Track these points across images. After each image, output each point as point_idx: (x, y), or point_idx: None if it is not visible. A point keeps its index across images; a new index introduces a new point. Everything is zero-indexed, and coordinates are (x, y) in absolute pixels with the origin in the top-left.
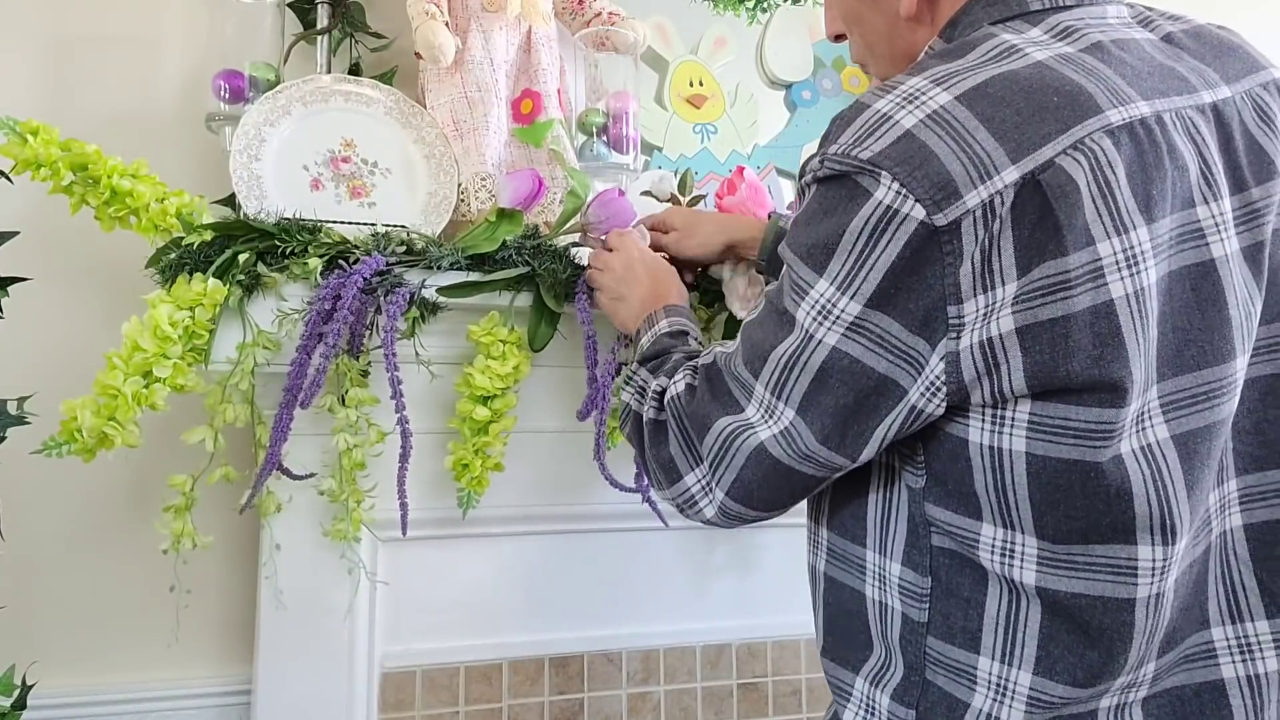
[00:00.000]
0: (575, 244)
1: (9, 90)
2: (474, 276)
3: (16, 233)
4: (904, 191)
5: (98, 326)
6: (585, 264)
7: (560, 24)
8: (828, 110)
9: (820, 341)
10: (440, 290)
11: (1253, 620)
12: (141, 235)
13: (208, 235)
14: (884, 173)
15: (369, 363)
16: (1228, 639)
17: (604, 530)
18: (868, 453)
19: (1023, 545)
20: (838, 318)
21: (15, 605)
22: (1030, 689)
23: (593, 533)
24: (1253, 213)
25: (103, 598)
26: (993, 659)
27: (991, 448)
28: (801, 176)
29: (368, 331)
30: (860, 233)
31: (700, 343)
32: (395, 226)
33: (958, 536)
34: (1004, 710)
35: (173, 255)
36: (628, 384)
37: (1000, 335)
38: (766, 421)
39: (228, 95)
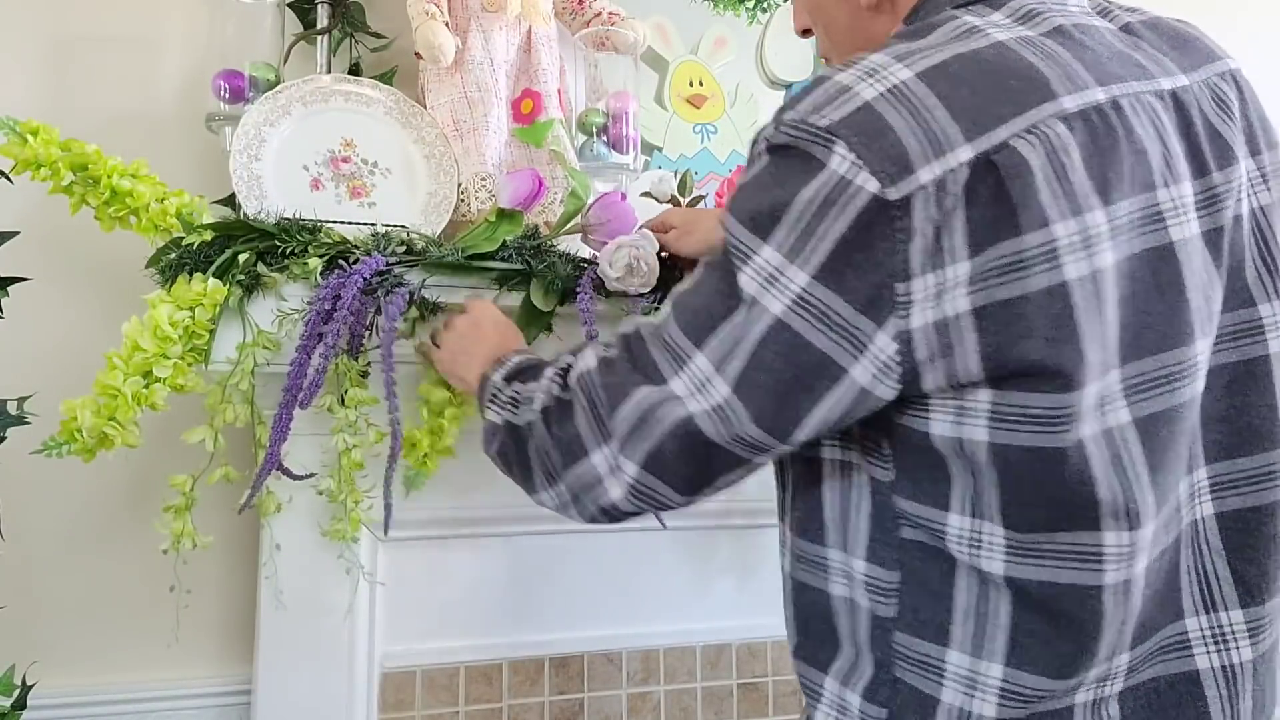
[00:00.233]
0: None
1: (9, 90)
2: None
3: (16, 233)
4: (858, 163)
5: (98, 326)
6: (586, 259)
7: (560, 24)
8: None
9: (764, 309)
10: (442, 273)
11: (1226, 610)
12: (141, 235)
13: (208, 235)
14: (839, 142)
15: (368, 363)
16: (1202, 629)
17: (604, 530)
18: (801, 434)
19: (990, 535)
20: (785, 287)
21: (15, 605)
22: (1002, 681)
23: (593, 533)
24: (1213, 197)
25: (103, 598)
26: (963, 652)
27: (955, 439)
28: (754, 145)
29: (367, 332)
30: (811, 201)
31: None
32: (395, 226)
33: (927, 528)
34: (976, 704)
35: (173, 255)
36: (492, 403)
37: (956, 316)
38: (696, 396)
39: (228, 95)
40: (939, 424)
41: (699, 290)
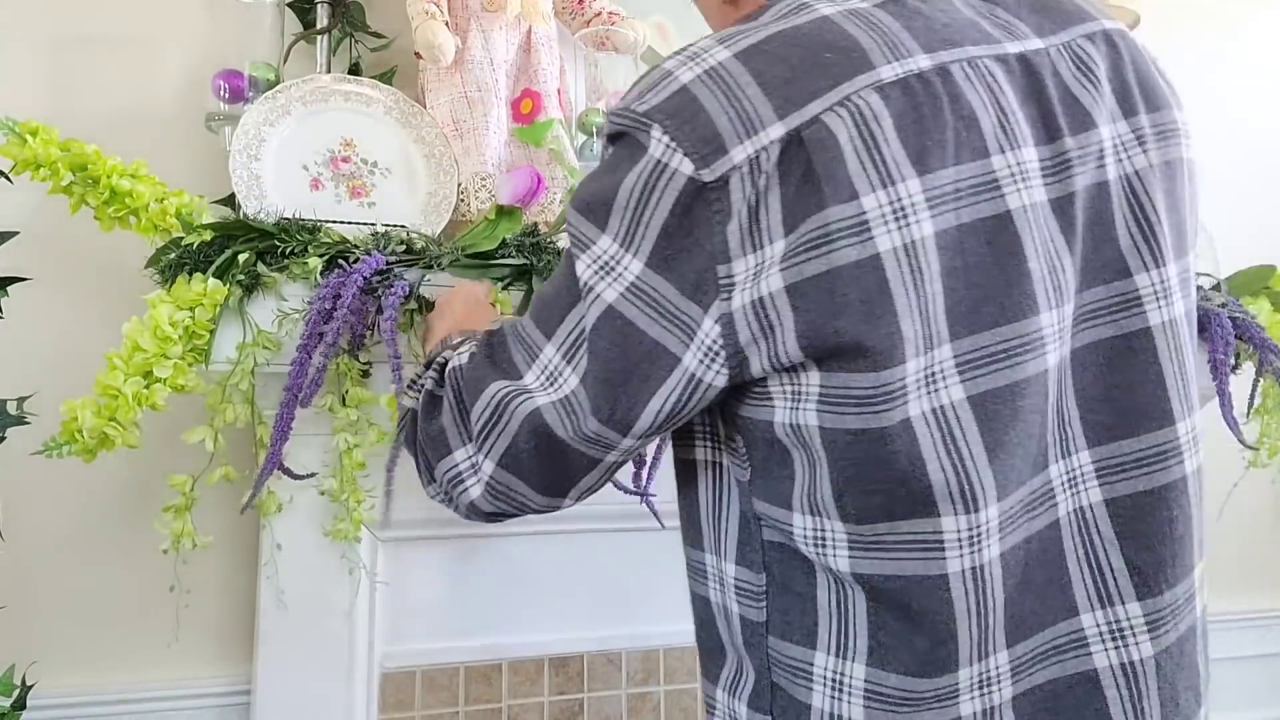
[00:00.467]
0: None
1: (9, 90)
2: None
3: (16, 233)
4: (673, 145)
5: (98, 326)
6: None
7: (560, 24)
8: None
9: (599, 297)
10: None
11: (1123, 603)
12: (141, 235)
13: (207, 235)
14: (655, 125)
15: (369, 362)
16: (1098, 625)
17: (604, 530)
18: (640, 426)
19: (832, 531)
20: (619, 275)
21: (15, 605)
22: (865, 682)
23: (593, 533)
24: (1064, 163)
25: (103, 598)
26: (829, 654)
27: (794, 425)
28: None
29: (368, 331)
30: (634, 187)
31: None
32: (395, 226)
33: (779, 529)
34: (843, 708)
35: (172, 255)
36: (409, 389)
37: (770, 294)
38: (547, 388)
39: (227, 95)
40: (780, 411)
41: (552, 282)
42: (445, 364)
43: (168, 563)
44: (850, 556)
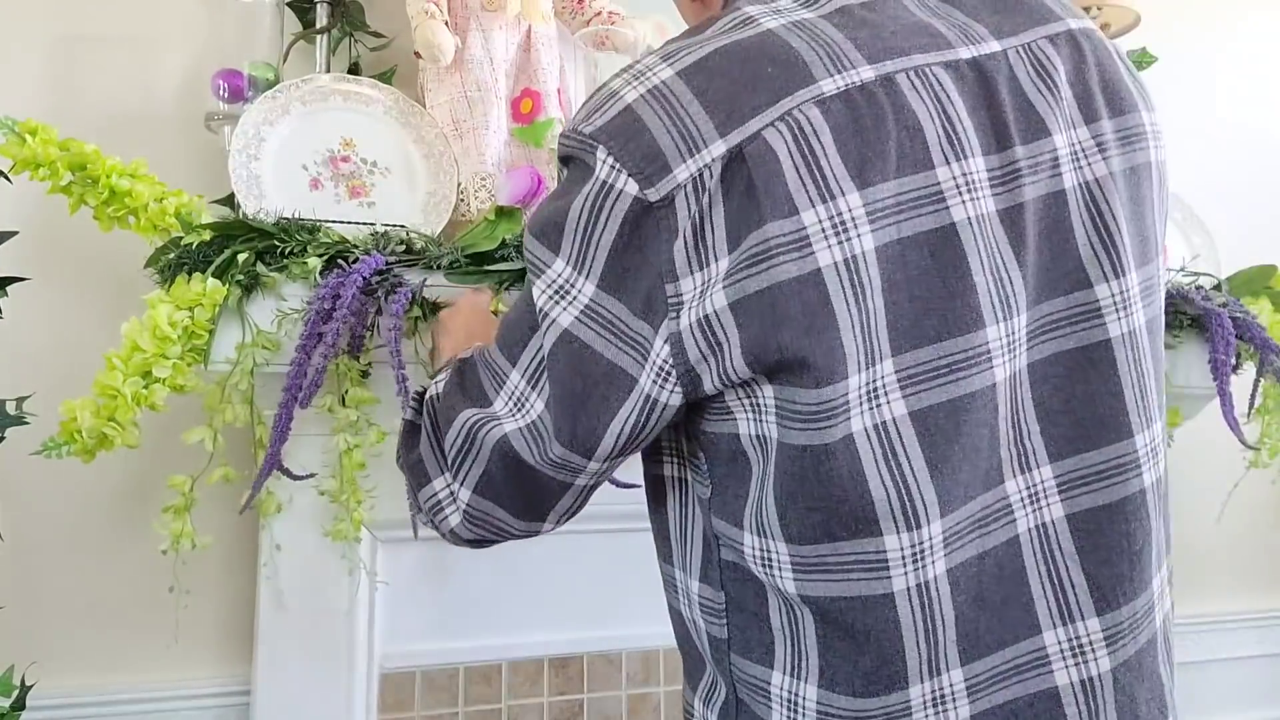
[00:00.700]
0: None
1: (8, 90)
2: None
3: (15, 232)
4: (617, 166)
5: (97, 326)
6: None
7: (560, 23)
8: None
9: (554, 322)
10: (446, 275)
11: (1083, 619)
12: (140, 235)
13: (206, 235)
14: (600, 147)
15: (369, 363)
16: (1059, 642)
17: (604, 530)
18: (604, 448)
19: (777, 553)
20: (574, 298)
21: (15, 605)
22: (818, 703)
23: (593, 533)
24: (1013, 173)
25: (103, 598)
26: (784, 673)
27: (760, 436)
28: None
29: (368, 331)
30: (583, 210)
31: None
32: (394, 226)
33: (733, 548)
34: None
35: (171, 255)
36: (410, 404)
37: (716, 311)
38: (514, 415)
39: (227, 94)
40: (744, 424)
41: (515, 308)
42: (424, 392)
43: (167, 563)
44: (795, 579)
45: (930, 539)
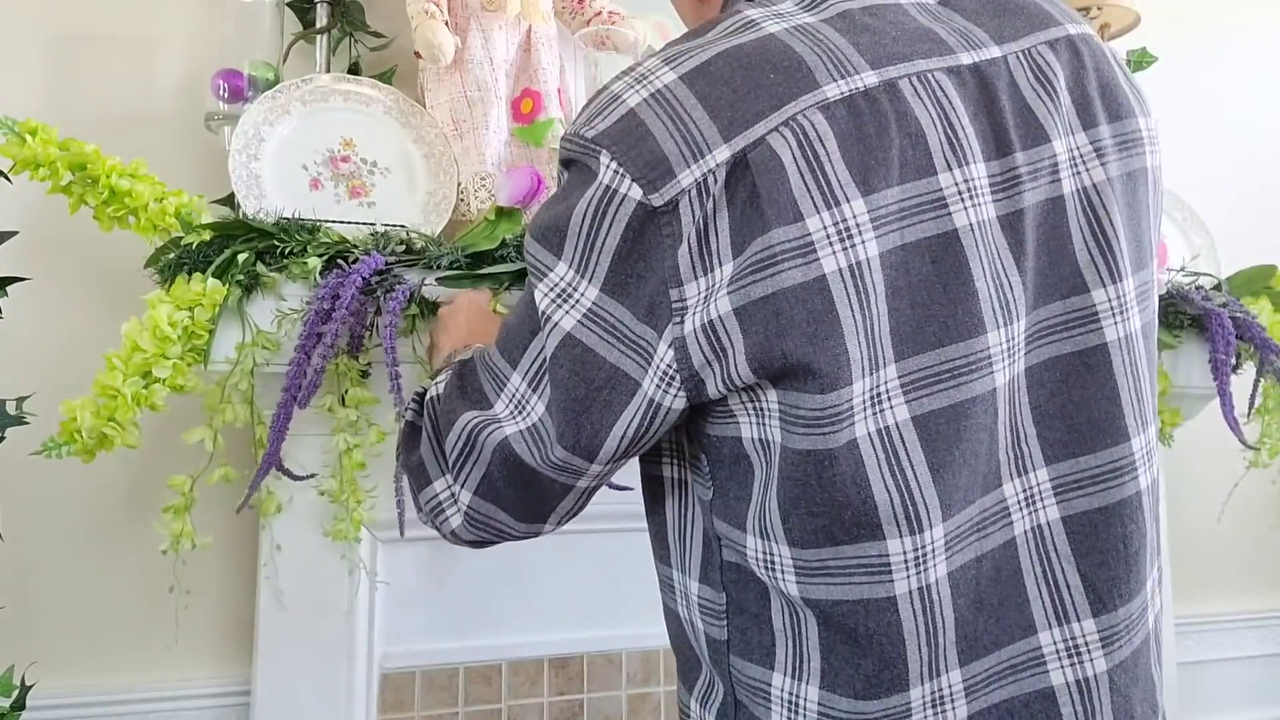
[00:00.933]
0: None
1: (8, 90)
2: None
3: (15, 232)
4: (621, 171)
5: (97, 326)
6: None
7: (560, 23)
8: None
9: (556, 325)
10: (439, 280)
11: (1079, 620)
12: (140, 235)
13: (206, 235)
14: (603, 151)
15: (369, 363)
16: (1055, 642)
17: (604, 530)
18: (607, 451)
19: (780, 556)
20: (576, 302)
21: (15, 605)
22: (819, 705)
23: (593, 533)
24: (1013, 179)
25: (103, 598)
26: (785, 675)
27: (763, 440)
28: None
29: (367, 331)
30: (585, 214)
31: None
32: (394, 226)
33: (736, 549)
34: None
35: (171, 255)
36: (410, 406)
37: (720, 317)
38: (515, 418)
39: (227, 94)
40: (746, 427)
41: (515, 310)
42: (424, 393)
43: (167, 563)
44: (798, 582)
45: (932, 543)
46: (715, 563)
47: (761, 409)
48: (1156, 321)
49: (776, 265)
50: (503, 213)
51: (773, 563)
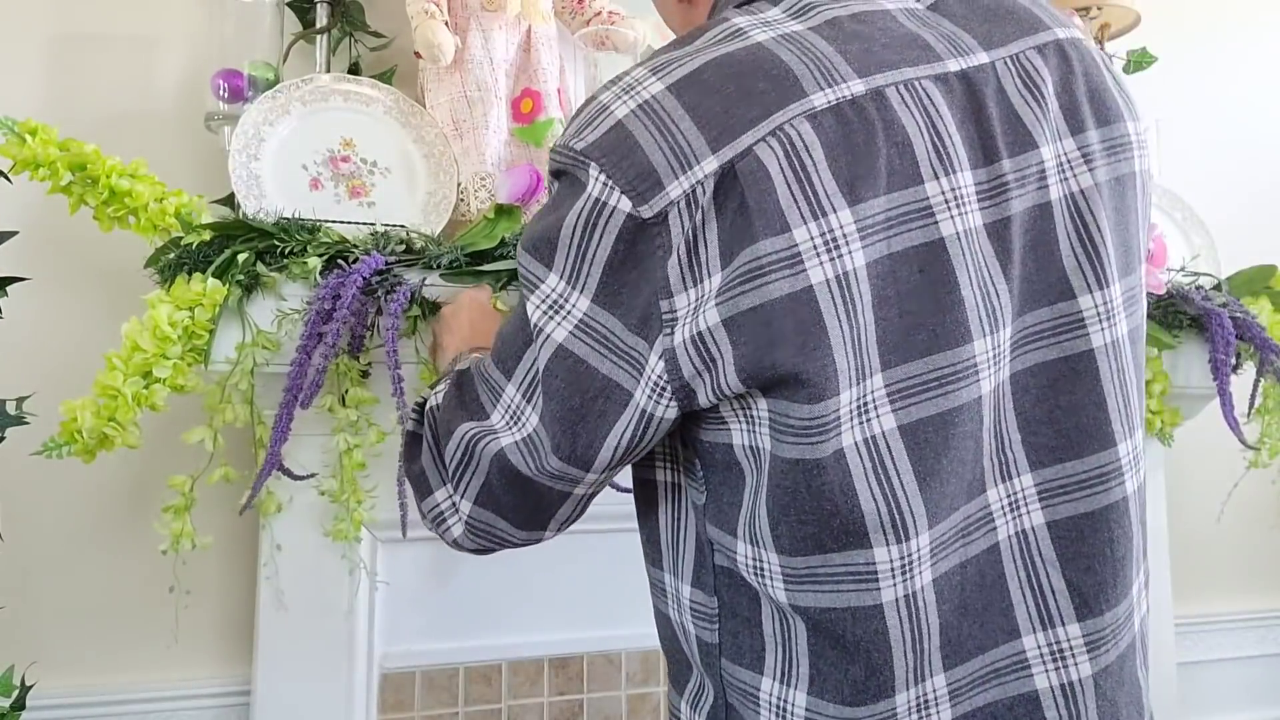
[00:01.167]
0: None
1: (8, 90)
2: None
3: (15, 232)
4: (610, 183)
5: (98, 326)
6: None
7: (560, 23)
8: None
9: (549, 337)
10: (440, 275)
11: (1064, 624)
12: (140, 235)
13: (207, 235)
14: (592, 164)
15: (369, 363)
16: (1039, 646)
17: (604, 530)
18: (602, 461)
19: (768, 563)
20: (568, 313)
21: (15, 605)
22: (806, 710)
23: (593, 533)
24: (1000, 186)
25: (103, 598)
26: (774, 680)
27: (753, 448)
28: None
29: (368, 331)
30: (576, 226)
31: None
32: (394, 226)
33: (727, 554)
34: None
35: (172, 255)
36: (412, 413)
37: (709, 328)
38: (510, 428)
39: (227, 94)
40: (738, 434)
41: (509, 321)
42: (425, 402)
43: (168, 563)
44: (786, 589)
45: (918, 550)
46: (708, 567)
47: (752, 416)
48: (1144, 326)
49: (764, 276)
50: (502, 211)
51: (762, 569)
